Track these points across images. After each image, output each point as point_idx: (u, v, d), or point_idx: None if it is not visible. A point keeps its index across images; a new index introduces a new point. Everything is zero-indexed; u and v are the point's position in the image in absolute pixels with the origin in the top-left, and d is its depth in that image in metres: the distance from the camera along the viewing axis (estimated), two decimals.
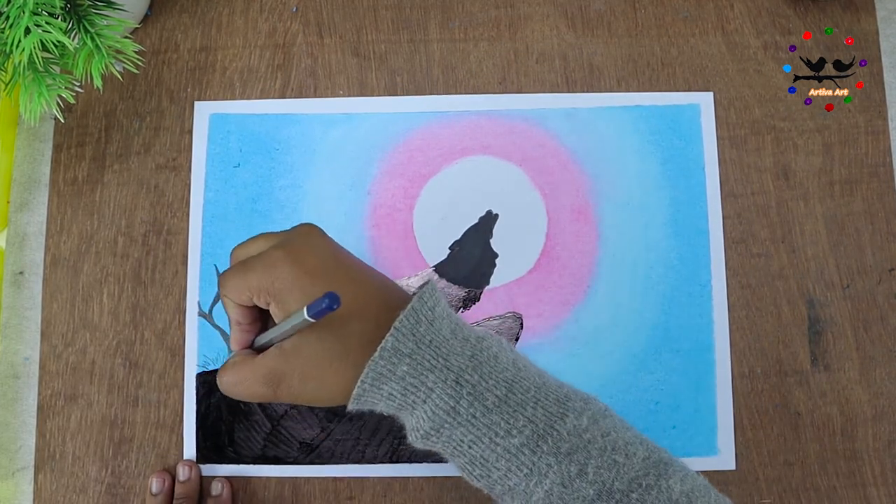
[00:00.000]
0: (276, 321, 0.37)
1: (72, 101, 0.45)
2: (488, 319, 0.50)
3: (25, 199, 0.52)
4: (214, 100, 0.53)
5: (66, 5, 0.43)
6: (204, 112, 0.52)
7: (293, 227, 0.39)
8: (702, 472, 0.47)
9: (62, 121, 0.50)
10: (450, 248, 0.51)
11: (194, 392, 0.50)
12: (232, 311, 0.38)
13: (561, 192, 0.51)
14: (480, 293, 0.50)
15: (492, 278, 0.50)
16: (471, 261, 0.51)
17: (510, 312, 0.50)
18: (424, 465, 0.49)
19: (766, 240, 0.51)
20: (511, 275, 0.51)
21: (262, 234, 0.39)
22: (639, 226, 0.51)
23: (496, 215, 0.51)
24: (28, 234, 0.52)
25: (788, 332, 0.50)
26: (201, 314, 0.50)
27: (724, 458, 0.49)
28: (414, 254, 0.51)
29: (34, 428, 0.50)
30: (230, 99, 0.53)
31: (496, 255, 0.51)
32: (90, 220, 0.52)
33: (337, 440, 0.49)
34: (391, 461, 0.49)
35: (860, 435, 0.49)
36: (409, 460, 0.49)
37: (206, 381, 0.50)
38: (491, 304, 0.50)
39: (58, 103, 0.45)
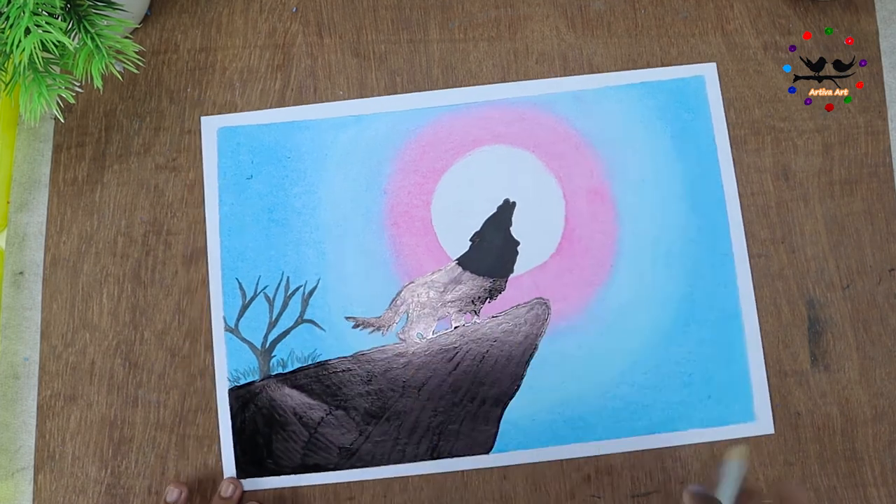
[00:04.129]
0: None
1: (72, 101, 0.45)
2: (516, 307, 0.50)
3: (25, 199, 0.52)
4: (219, 110, 0.52)
5: (66, 5, 0.43)
6: (212, 126, 0.52)
7: None
8: (741, 439, 0.48)
9: (62, 121, 0.50)
10: (470, 239, 0.51)
11: (228, 408, 0.49)
12: None
13: (575, 175, 0.52)
14: (505, 282, 0.50)
15: (515, 266, 0.51)
16: (493, 251, 0.51)
17: (536, 299, 0.50)
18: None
19: (766, 240, 0.51)
20: (534, 261, 0.51)
21: None
22: (656, 202, 0.51)
23: (514, 203, 0.51)
24: (28, 234, 0.52)
25: (788, 332, 0.50)
26: (228, 329, 0.50)
27: (762, 424, 0.49)
28: (435, 248, 0.51)
29: (34, 428, 0.50)
30: (231, 108, 0.53)
31: (518, 243, 0.51)
32: (90, 220, 0.52)
33: (376, 442, 0.49)
34: (432, 458, 0.49)
35: (860, 435, 0.49)
36: (450, 455, 0.49)
37: (239, 395, 0.49)
38: (517, 291, 0.50)
39: (58, 103, 0.45)
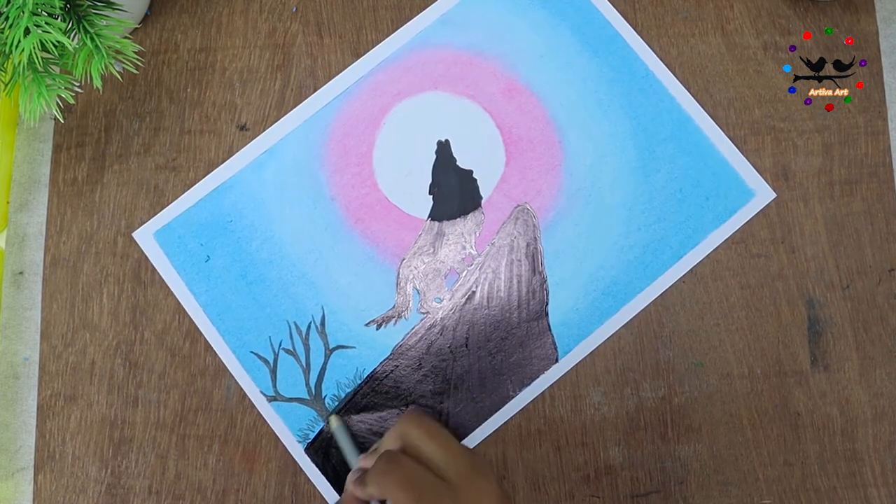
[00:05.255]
0: None
1: (71, 101, 0.45)
2: (503, 225, 0.51)
3: (25, 200, 0.52)
4: (156, 215, 0.52)
5: (65, 5, 0.43)
6: (147, 235, 0.51)
7: (477, 467, 0.42)
8: (753, 216, 0.50)
9: (62, 121, 0.50)
10: (430, 193, 0.51)
11: (314, 466, 0.49)
12: (377, 496, 0.41)
13: (483, 86, 0.52)
14: (481, 211, 0.51)
15: (481, 192, 0.51)
16: (454, 191, 0.51)
17: (516, 208, 0.51)
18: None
19: (765, 240, 0.51)
20: (494, 178, 0.52)
21: (445, 439, 0.42)
22: (560, 66, 0.52)
23: (447, 140, 0.52)
24: (28, 235, 0.52)
25: (788, 333, 0.50)
26: (270, 399, 0.50)
27: (762, 194, 0.51)
28: (405, 219, 0.51)
29: (34, 428, 0.50)
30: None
31: (471, 172, 0.52)
32: (90, 220, 0.52)
33: (457, 413, 0.50)
34: (511, 396, 0.50)
35: (860, 435, 0.49)
36: (526, 383, 0.50)
37: (317, 449, 0.49)
38: (497, 212, 0.51)
39: (57, 103, 0.45)
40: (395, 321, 0.50)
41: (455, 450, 0.42)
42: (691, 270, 0.50)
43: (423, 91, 0.52)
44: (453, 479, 0.41)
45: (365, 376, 0.50)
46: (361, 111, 0.52)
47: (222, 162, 0.52)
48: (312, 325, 0.50)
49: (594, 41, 0.52)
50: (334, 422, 0.48)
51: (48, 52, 0.42)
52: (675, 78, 0.52)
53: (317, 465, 0.49)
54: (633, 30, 0.52)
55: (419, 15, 0.53)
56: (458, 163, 0.52)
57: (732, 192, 0.51)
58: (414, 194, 0.51)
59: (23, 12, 0.40)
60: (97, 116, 0.53)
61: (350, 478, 0.45)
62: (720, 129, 0.51)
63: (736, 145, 0.51)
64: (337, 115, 0.52)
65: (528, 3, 0.53)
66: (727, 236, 0.50)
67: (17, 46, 0.40)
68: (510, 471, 0.49)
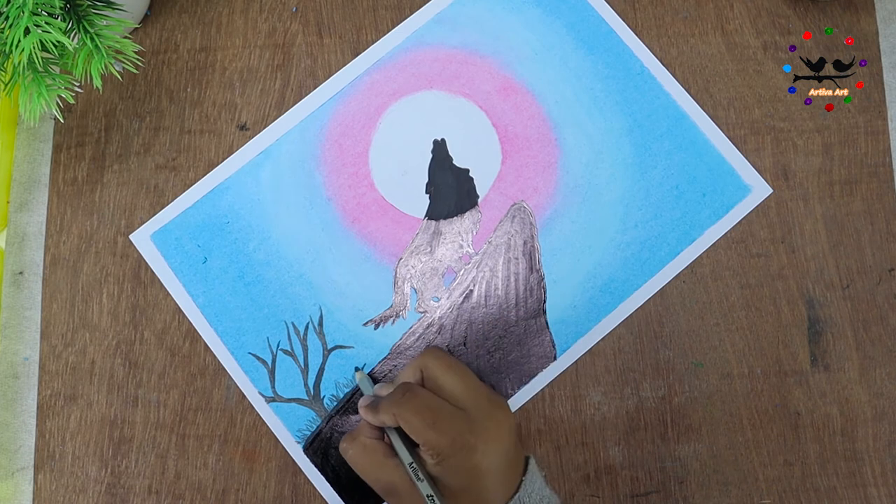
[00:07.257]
0: (426, 462, 0.41)
1: (71, 101, 0.45)
2: (500, 224, 0.51)
3: (25, 199, 0.52)
4: (154, 215, 0.52)
5: (65, 5, 0.43)
6: (144, 237, 0.51)
7: (494, 400, 0.43)
8: (753, 216, 0.51)
9: (62, 121, 0.50)
10: (426, 192, 0.51)
11: (313, 468, 0.49)
12: (390, 423, 0.42)
13: (478, 84, 0.52)
14: (478, 209, 0.51)
15: (478, 190, 0.51)
16: (451, 190, 0.51)
17: (512, 206, 0.51)
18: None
19: (765, 240, 0.51)
20: (490, 176, 0.52)
21: (463, 372, 0.44)
22: (556, 63, 0.52)
23: (443, 140, 0.52)
24: (28, 234, 0.52)
25: (788, 332, 0.50)
26: (269, 400, 0.50)
27: (759, 190, 0.51)
28: (401, 218, 0.51)
29: (34, 428, 0.50)
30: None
31: (467, 171, 0.52)
32: (90, 220, 0.52)
33: None
34: (509, 395, 0.50)
35: (860, 435, 0.49)
36: (525, 380, 0.50)
37: (316, 449, 0.49)
38: (494, 211, 0.51)
39: (57, 103, 0.45)
40: (393, 321, 0.50)
41: (473, 383, 0.43)
42: (691, 270, 0.50)
43: (419, 90, 0.52)
44: (471, 410, 0.42)
45: None
46: (357, 111, 0.52)
47: (222, 162, 0.52)
48: (310, 325, 0.50)
49: (589, 38, 0.52)
50: (359, 376, 0.49)
51: (48, 51, 0.42)
52: (669, 74, 0.52)
53: (316, 466, 0.49)
54: (627, 27, 0.52)
55: (414, 14, 0.53)
56: (454, 161, 0.52)
57: (729, 188, 0.51)
58: (410, 194, 0.51)
59: (23, 12, 0.40)
60: (97, 116, 0.53)
61: (362, 402, 0.45)
62: (716, 126, 0.51)
63: (736, 145, 0.51)
64: (333, 116, 0.52)
65: (522, 1, 0.53)
66: (724, 232, 0.50)
67: (17, 46, 0.41)
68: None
